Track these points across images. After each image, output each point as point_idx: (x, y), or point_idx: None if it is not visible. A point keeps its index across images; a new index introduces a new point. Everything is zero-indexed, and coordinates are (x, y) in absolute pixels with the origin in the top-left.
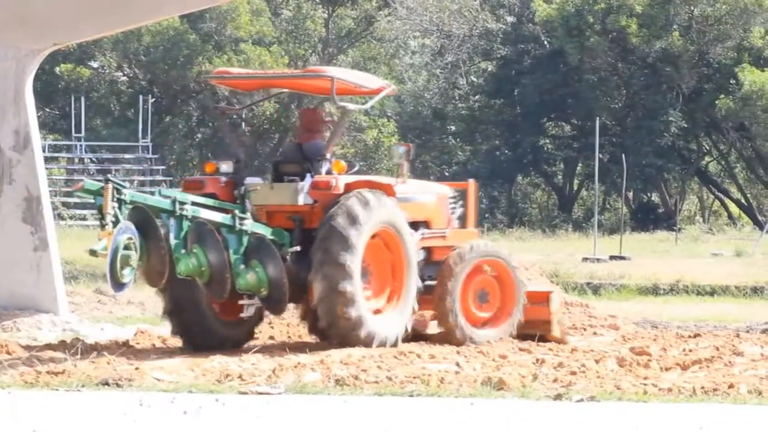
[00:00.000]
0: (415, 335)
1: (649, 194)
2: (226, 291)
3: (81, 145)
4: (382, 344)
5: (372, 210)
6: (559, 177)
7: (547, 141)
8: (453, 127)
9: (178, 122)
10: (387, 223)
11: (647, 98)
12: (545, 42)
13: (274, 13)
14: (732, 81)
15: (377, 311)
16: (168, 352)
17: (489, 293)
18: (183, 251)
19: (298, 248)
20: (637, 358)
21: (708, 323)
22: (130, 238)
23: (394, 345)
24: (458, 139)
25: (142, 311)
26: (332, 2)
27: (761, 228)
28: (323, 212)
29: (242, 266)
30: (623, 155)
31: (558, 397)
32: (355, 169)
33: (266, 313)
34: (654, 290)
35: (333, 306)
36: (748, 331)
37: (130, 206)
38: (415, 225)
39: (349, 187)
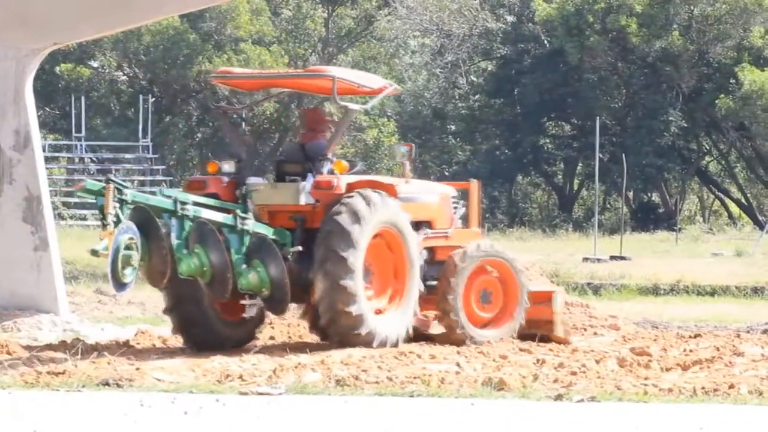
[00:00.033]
0: (420, 335)
1: (649, 194)
2: (227, 291)
3: (81, 145)
4: (383, 344)
5: (376, 209)
6: (560, 177)
7: (547, 141)
8: (453, 127)
9: (178, 122)
10: (390, 224)
11: (647, 98)
12: (545, 41)
13: (274, 12)
14: (732, 80)
15: (379, 311)
16: (168, 353)
17: (492, 294)
18: (185, 251)
19: (299, 248)
20: (638, 358)
21: (708, 323)
22: (132, 238)
23: (395, 346)
24: (458, 139)
25: (143, 311)
26: (332, 2)
27: (761, 228)
28: (325, 212)
29: (244, 266)
30: (623, 155)
31: (558, 397)
32: (357, 168)
33: (267, 313)
34: (654, 290)
35: (334, 302)
36: (748, 332)
37: (132, 206)
38: (418, 225)
39: (350, 187)
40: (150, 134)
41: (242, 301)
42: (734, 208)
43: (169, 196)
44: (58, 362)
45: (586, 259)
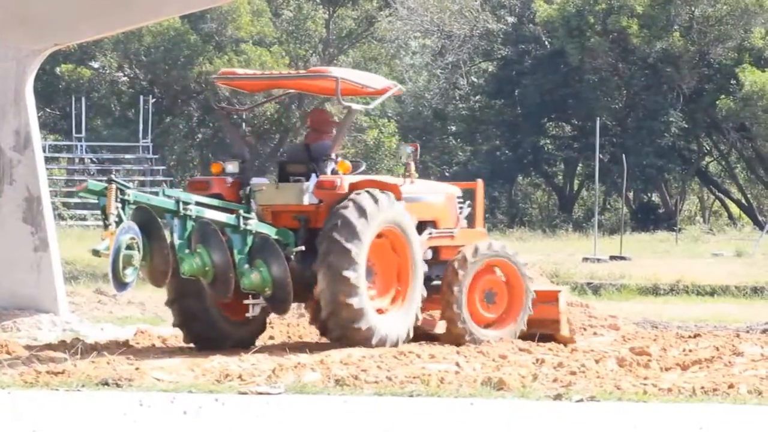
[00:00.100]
0: (422, 334)
1: (649, 194)
2: (230, 291)
3: (81, 146)
4: (382, 343)
5: (381, 207)
6: (560, 177)
7: (548, 141)
8: (453, 128)
9: (179, 122)
10: (394, 224)
11: (648, 98)
12: (546, 42)
13: (274, 13)
14: (732, 81)
15: (380, 311)
16: (168, 352)
17: (497, 295)
18: (187, 251)
19: (302, 248)
20: (637, 358)
21: (708, 323)
22: (133, 238)
23: (395, 346)
24: (459, 140)
25: (142, 311)
26: (333, 3)
27: (761, 228)
28: (328, 212)
29: (246, 266)
30: (624, 155)
31: (558, 397)
32: (361, 169)
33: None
34: (654, 290)
35: (336, 293)
36: (748, 332)
37: (134, 206)
38: (423, 224)
39: (354, 187)
40: (150, 135)
41: (245, 301)
42: (734, 209)
43: (171, 196)
44: (57, 362)
45: (586, 259)
